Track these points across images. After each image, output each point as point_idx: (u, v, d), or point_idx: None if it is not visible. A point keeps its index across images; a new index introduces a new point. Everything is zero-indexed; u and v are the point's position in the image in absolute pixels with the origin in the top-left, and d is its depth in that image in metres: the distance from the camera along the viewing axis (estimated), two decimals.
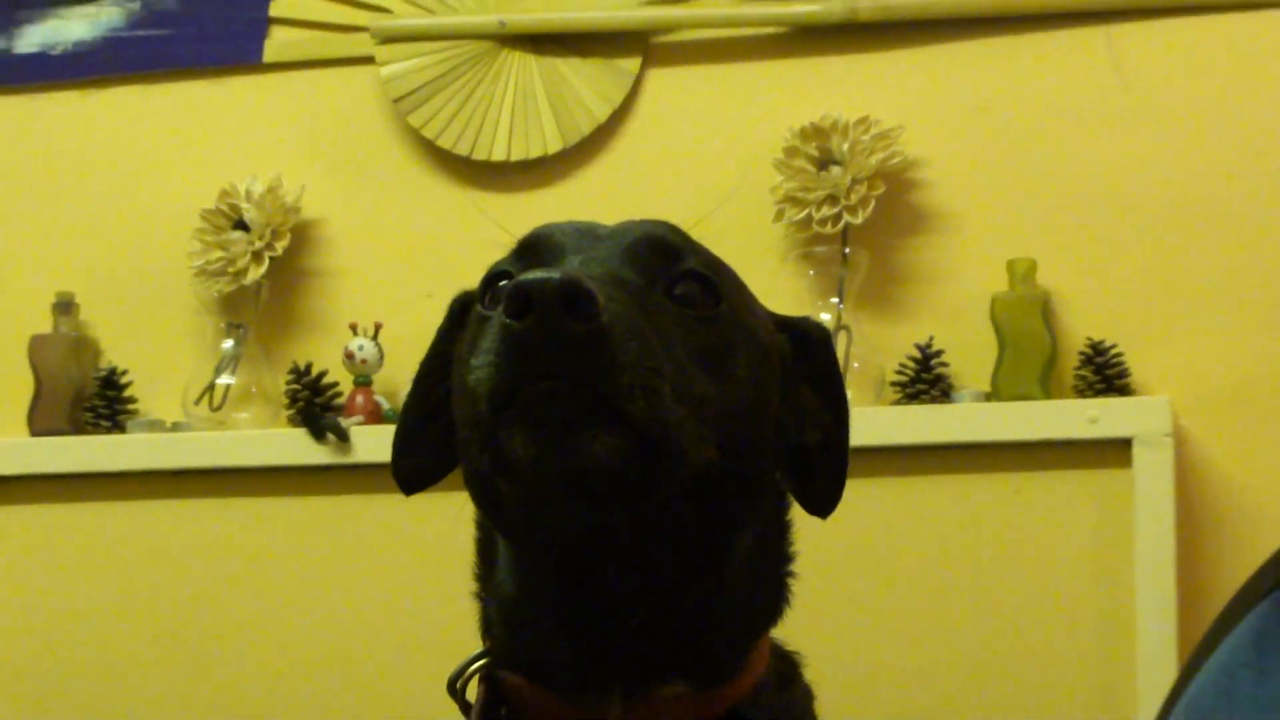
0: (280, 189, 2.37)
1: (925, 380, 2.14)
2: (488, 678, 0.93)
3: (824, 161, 2.20)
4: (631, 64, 2.36)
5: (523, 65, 2.39)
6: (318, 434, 2.23)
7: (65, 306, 2.43)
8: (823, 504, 0.98)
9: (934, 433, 2.11)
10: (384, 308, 2.35)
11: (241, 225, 2.36)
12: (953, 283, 2.24)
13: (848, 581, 2.10)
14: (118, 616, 2.34)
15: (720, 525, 0.88)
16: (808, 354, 0.98)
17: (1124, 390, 2.10)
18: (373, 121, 2.45)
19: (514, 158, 2.37)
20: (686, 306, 0.86)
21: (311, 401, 2.28)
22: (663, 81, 2.37)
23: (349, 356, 2.28)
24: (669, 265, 0.87)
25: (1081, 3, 2.24)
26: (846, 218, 2.16)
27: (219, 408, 2.34)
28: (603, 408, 0.76)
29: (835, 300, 2.20)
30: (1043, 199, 2.23)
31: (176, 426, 2.36)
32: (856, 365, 2.17)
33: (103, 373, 2.41)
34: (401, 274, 2.41)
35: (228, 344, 2.37)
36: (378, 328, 2.30)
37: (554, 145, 2.37)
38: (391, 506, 1.97)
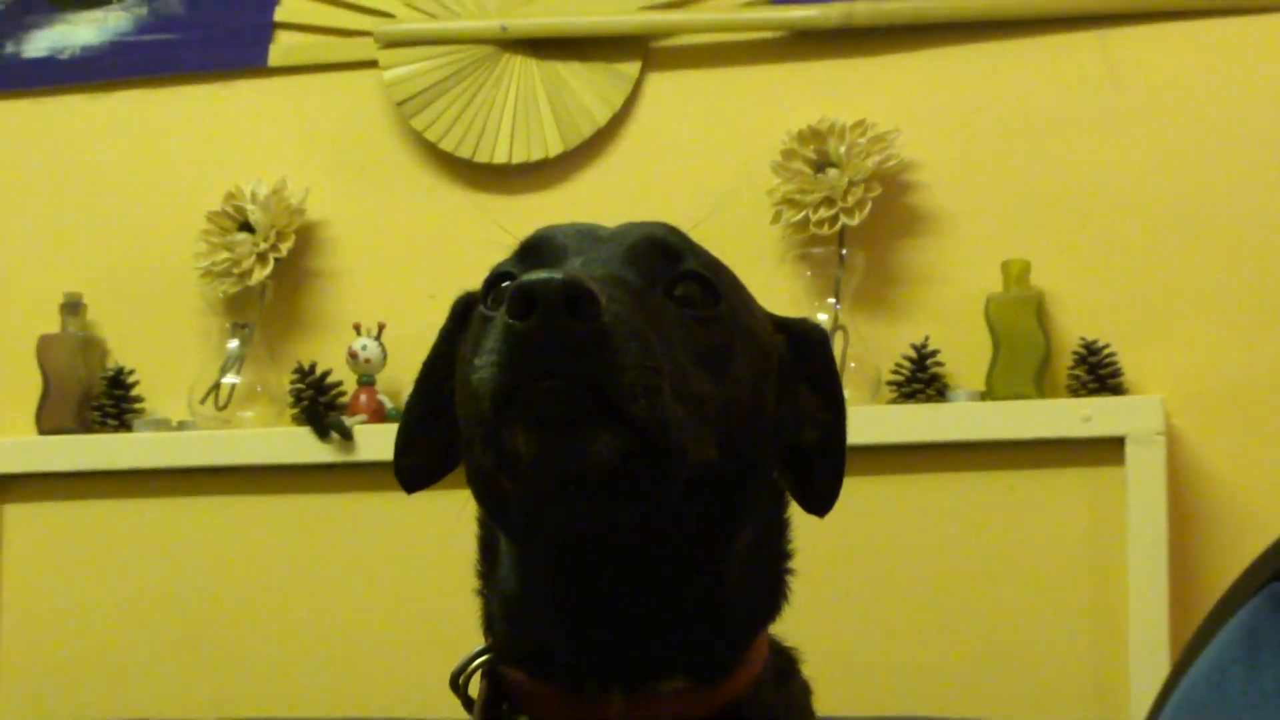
0: (285, 191, 2.37)
1: (921, 379, 2.14)
2: (490, 673, 0.92)
3: (821, 164, 2.20)
4: (631, 68, 2.36)
5: (524, 69, 2.39)
6: (322, 432, 2.24)
7: (73, 307, 2.44)
8: (821, 503, 0.98)
9: (929, 431, 2.11)
10: (387, 308, 2.35)
11: (247, 227, 2.36)
12: (948, 283, 2.24)
13: (844, 578, 2.10)
14: (125, 611, 2.34)
15: (719, 523, 0.88)
16: (806, 354, 0.97)
17: (1117, 390, 2.10)
18: (376, 125, 2.45)
19: (515, 160, 2.37)
20: (686, 307, 0.86)
21: (315, 400, 2.29)
22: (662, 85, 2.37)
23: (352, 356, 2.29)
24: (669, 266, 0.87)
25: (1075, 7, 2.23)
26: (843, 219, 2.16)
27: (224, 407, 2.34)
28: (604, 407, 0.76)
29: (832, 300, 2.20)
30: (1037, 201, 2.23)
31: (182, 425, 2.36)
32: (853, 365, 2.16)
33: (110, 372, 2.41)
34: (404, 275, 2.41)
35: (233, 344, 2.37)
36: (381, 328, 2.31)
37: (555, 148, 2.37)
38: (394, 504, 1.95)
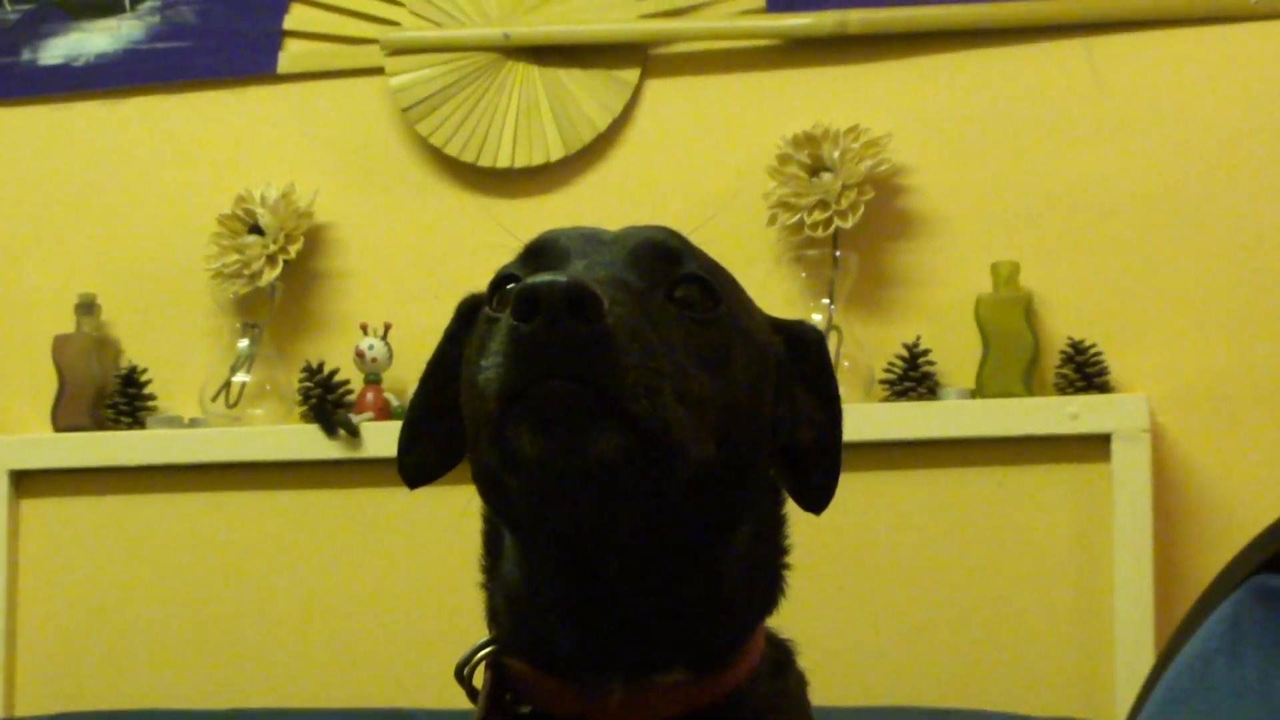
0: (294, 195, 2.38)
1: (912, 378, 2.15)
2: (494, 664, 0.93)
3: (815, 168, 2.21)
4: (631, 75, 2.37)
5: (526, 76, 2.40)
6: (329, 430, 2.25)
7: (87, 307, 2.45)
8: (817, 501, 0.98)
9: (921, 429, 2.12)
10: (393, 309, 2.36)
11: (256, 229, 2.37)
12: (939, 284, 2.25)
13: (839, 572, 2.12)
14: (138, 603, 2.35)
15: (718, 520, 0.88)
16: (803, 356, 0.97)
17: (1103, 388, 2.11)
18: (382, 130, 2.46)
19: (518, 165, 2.38)
20: (687, 309, 0.86)
21: (323, 398, 2.30)
22: (661, 92, 2.37)
23: (359, 355, 2.30)
24: (670, 269, 0.87)
25: (1062, 16, 2.24)
26: (837, 222, 2.17)
27: (235, 404, 2.35)
28: (607, 406, 0.77)
29: (826, 301, 2.21)
30: (1025, 204, 2.23)
31: (194, 422, 2.38)
32: (847, 364, 2.17)
33: (123, 371, 2.42)
34: (410, 276, 2.42)
35: (243, 343, 2.38)
36: (387, 328, 2.32)
37: (556, 153, 2.37)
38: (400, 500, 1.94)
